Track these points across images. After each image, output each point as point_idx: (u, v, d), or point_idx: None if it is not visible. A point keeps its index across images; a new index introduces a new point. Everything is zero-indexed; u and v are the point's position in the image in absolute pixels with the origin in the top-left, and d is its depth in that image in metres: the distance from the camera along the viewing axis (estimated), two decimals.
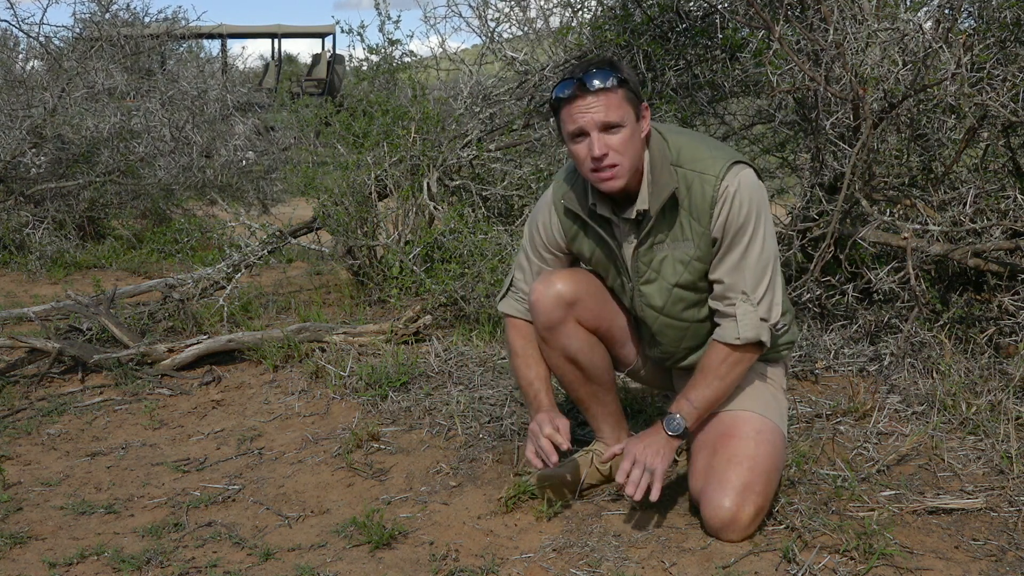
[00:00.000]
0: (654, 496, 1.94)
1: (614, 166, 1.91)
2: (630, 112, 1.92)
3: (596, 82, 1.88)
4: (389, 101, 4.40)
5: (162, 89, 6.27)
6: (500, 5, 5.09)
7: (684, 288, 2.05)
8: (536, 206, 2.20)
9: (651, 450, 1.96)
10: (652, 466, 1.95)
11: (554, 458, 2.02)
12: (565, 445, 2.02)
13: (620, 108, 1.90)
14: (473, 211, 4.05)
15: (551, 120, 4.05)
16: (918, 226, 2.94)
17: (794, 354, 2.94)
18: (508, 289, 2.22)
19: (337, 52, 14.01)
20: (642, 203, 1.99)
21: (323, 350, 3.35)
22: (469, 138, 4.17)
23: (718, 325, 2.02)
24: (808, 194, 3.22)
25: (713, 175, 1.94)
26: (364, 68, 4.92)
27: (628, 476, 1.95)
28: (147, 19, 7.68)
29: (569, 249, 2.16)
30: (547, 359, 2.17)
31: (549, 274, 2.12)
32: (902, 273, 2.89)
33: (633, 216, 2.01)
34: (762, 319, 1.98)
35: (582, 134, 1.92)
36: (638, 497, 1.94)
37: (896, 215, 3.22)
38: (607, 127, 1.90)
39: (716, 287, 2.01)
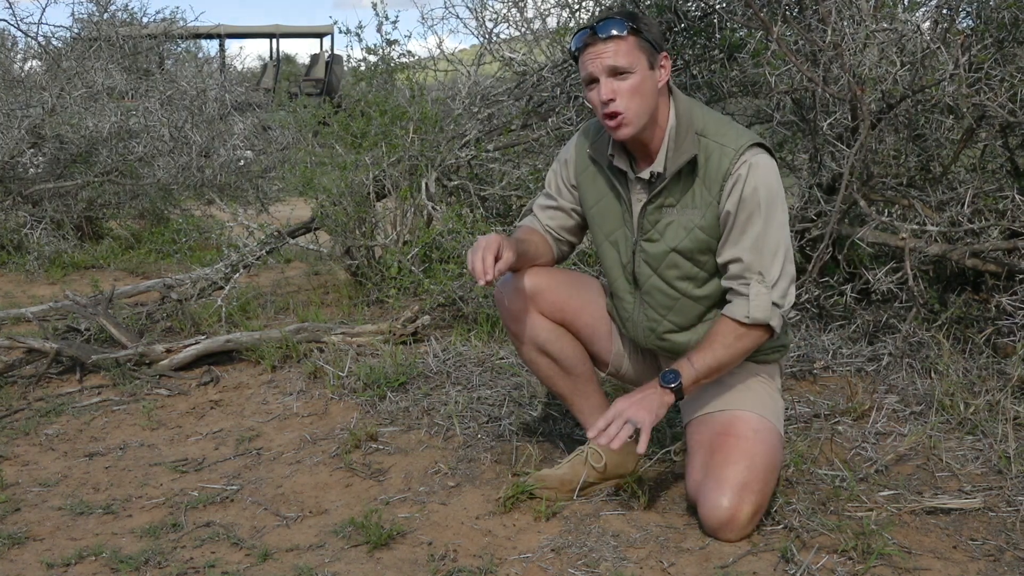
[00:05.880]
0: (641, 448, 1.89)
1: (619, 113, 1.94)
2: (642, 59, 1.95)
3: (611, 30, 1.93)
4: (387, 101, 4.39)
5: (161, 89, 6.26)
6: (497, 6, 5.09)
7: (681, 255, 2.05)
8: (564, 147, 2.27)
9: (639, 404, 1.93)
10: (638, 419, 1.90)
11: (481, 281, 1.93)
12: (484, 280, 1.93)
13: (630, 55, 1.94)
14: (471, 211, 4.04)
15: (548, 121, 4.05)
16: (916, 226, 2.94)
17: (790, 355, 2.94)
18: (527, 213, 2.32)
19: (335, 52, 14.01)
20: (658, 166, 2.02)
21: (321, 350, 3.35)
22: (467, 138, 4.17)
23: (728, 303, 2.01)
24: (806, 195, 3.22)
25: (733, 148, 1.97)
26: (362, 68, 4.92)
27: (603, 430, 1.90)
28: (145, 19, 7.70)
29: (576, 185, 2.19)
30: (522, 357, 2.25)
31: (509, 275, 2.17)
32: (900, 273, 2.89)
33: (647, 177, 2.04)
34: (775, 304, 1.97)
35: (593, 80, 1.97)
36: (615, 445, 1.89)
37: (894, 215, 3.22)
38: (615, 72, 1.94)
39: (732, 267, 2.00)
